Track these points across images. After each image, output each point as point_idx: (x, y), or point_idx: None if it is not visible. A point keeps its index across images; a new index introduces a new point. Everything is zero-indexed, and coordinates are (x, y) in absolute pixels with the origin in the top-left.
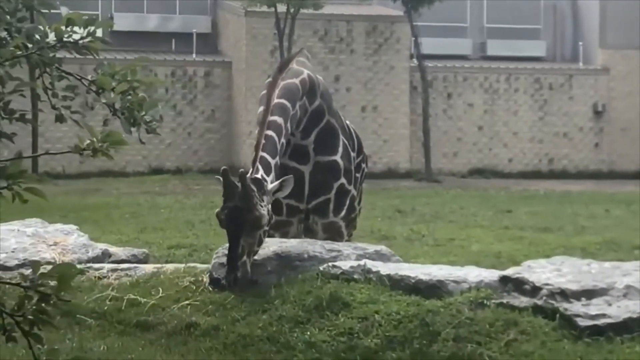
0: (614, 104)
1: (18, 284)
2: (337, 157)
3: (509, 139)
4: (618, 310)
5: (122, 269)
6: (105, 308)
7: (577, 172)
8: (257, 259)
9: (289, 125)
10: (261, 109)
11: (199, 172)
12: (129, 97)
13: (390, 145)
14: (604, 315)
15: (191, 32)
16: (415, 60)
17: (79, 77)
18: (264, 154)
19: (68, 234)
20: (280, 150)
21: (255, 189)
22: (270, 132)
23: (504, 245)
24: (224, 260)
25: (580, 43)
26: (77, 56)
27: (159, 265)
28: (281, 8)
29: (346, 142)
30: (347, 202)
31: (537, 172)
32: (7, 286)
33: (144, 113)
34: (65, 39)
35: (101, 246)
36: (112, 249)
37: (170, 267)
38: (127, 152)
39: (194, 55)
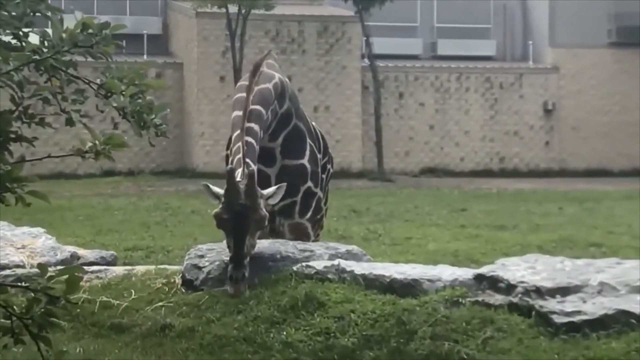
0: (564, 102)
1: (27, 287)
2: (304, 161)
3: (460, 138)
4: (593, 307)
5: (92, 272)
6: (78, 310)
7: (528, 170)
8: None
9: (261, 132)
10: (237, 113)
11: (152, 174)
12: (139, 100)
13: (342, 145)
14: (579, 312)
15: (142, 34)
16: (366, 60)
17: (87, 81)
18: (248, 161)
19: (36, 236)
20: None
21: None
22: (250, 139)
23: (460, 244)
24: (196, 261)
25: (530, 42)
26: (89, 59)
27: (129, 267)
28: (232, 9)
29: (313, 145)
30: (314, 204)
31: (489, 170)
32: (11, 289)
33: (153, 116)
34: (80, 44)
35: (70, 249)
36: (81, 252)
37: (141, 269)
38: None
39: (145, 57)
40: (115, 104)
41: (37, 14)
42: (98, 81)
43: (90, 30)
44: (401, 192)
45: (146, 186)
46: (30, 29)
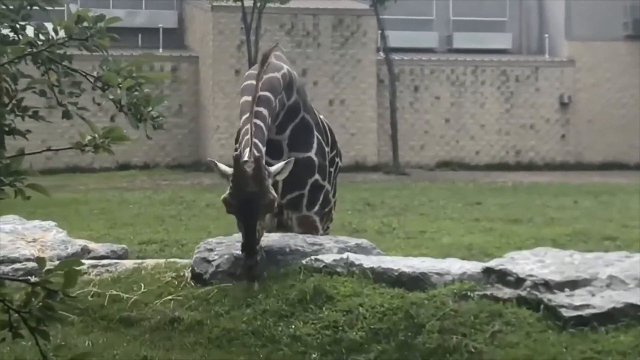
0: (579, 95)
1: (25, 280)
2: (312, 154)
3: (475, 131)
4: (602, 301)
5: (102, 265)
6: (88, 304)
7: (543, 163)
8: (239, 253)
9: (270, 119)
10: (245, 98)
11: (167, 168)
12: (136, 93)
13: (357, 139)
14: (587, 306)
15: (157, 27)
16: (382, 54)
17: (84, 74)
18: (256, 141)
19: (47, 230)
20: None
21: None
22: (258, 122)
23: (474, 237)
24: (206, 255)
25: (546, 35)
26: (75, 52)
27: (139, 261)
28: (248, 2)
29: (320, 137)
30: (321, 197)
31: (504, 164)
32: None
33: (150, 109)
34: (75, 36)
35: (80, 242)
36: (91, 245)
37: (150, 262)
38: None
39: (160, 50)
40: (111, 97)
41: (35, 7)
42: (95, 74)
43: (85, 23)
44: (416, 186)
45: (161, 180)
46: (27, 22)
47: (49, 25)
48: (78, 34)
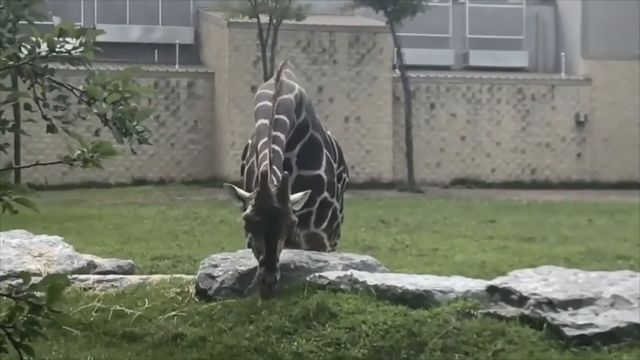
0: (596, 114)
1: (9, 295)
2: (321, 172)
3: (491, 149)
4: (605, 320)
5: (107, 280)
6: (91, 319)
7: (559, 182)
8: (243, 270)
9: (285, 142)
10: (262, 121)
11: (182, 183)
12: (121, 107)
13: (373, 156)
14: (591, 325)
15: (174, 43)
16: (397, 71)
17: (70, 87)
18: (275, 168)
19: (53, 245)
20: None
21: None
22: (276, 147)
23: (488, 255)
24: (210, 271)
25: (563, 53)
26: (71, 67)
27: (144, 277)
28: (264, 19)
29: (329, 154)
30: (329, 214)
31: (520, 182)
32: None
33: (135, 123)
34: (57, 50)
35: (86, 257)
36: (98, 260)
37: (156, 278)
38: (109, 163)
39: (176, 66)
40: (95, 111)
41: (22, 21)
42: (81, 87)
43: (68, 38)
44: (431, 203)
45: (176, 195)
46: (13, 35)
47: (34, 39)
48: (61, 48)
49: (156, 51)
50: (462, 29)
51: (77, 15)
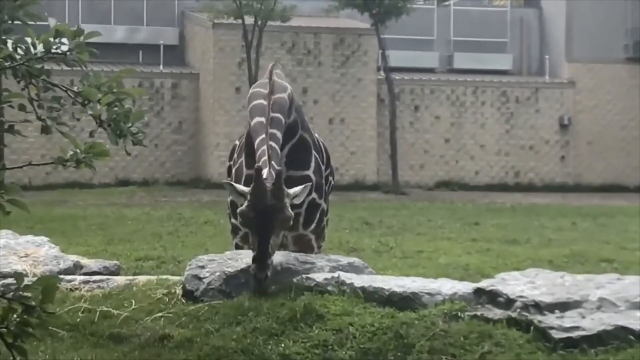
0: (579, 117)
1: (2, 296)
2: (310, 172)
3: (475, 151)
4: (592, 323)
5: (94, 281)
6: (78, 320)
7: (543, 185)
8: (230, 271)
9: (280, 140)
10: (258, 119)
11: (166, 184)
12: (115, 108)
13: (357, 158)
14: (577, 328)
15: (158, 44)
16: (382, 73)
17: (64, 89)
18: (274, 163)
19: (39, 245)
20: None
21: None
22: (273, 144)
23: (472, 258)
24: (197, 272)
25: (547, 56)
26: (55, 67)
27: (131, 277)
28: (249, 20)
29: (317, 156)
30: (317, 215)
31: (504, 184)
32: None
33: (130, 124)
34: (53, 51)
35: (72, 258)
36: (84, 261)
37: (142, 279)
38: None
39: (161, 67)
40: (91, 112)
41: (16, 21)
42: (75, 89)
43: (63, 39)
44: (415, 205)
45: (160, 196)
46: (7, 36)
47: (29, 40)
48: (56, 49)
49: (141, 52)
50: (446, 32)
51: (62, 15)
